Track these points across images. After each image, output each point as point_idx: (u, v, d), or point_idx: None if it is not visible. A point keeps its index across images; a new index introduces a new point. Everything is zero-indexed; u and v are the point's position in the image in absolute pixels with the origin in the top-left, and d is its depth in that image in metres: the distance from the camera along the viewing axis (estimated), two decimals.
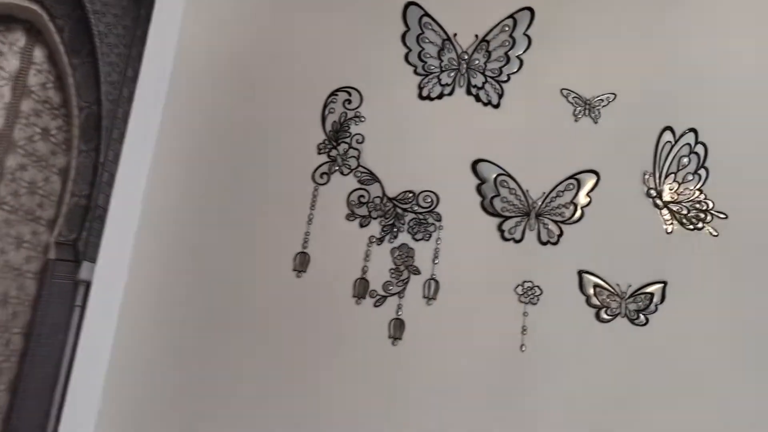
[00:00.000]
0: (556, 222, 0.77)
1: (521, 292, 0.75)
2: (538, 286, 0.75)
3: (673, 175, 0.79)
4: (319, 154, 0.80)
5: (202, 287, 0.77)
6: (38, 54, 1.29)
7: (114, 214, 1.63)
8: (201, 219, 0.81)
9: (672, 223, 0.78)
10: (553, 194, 0.77)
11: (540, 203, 0.78)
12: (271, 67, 0.84)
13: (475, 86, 0.81)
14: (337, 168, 0.79)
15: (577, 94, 0.81)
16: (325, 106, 0.82)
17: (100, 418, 0.84)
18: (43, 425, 1.45)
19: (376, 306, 0.75)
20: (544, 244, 0.76)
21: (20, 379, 1.38)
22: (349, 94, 0.81)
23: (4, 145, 1.22)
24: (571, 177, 0.78)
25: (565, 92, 0.80)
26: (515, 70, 0.81)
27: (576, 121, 0.80)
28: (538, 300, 0.75)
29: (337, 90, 0.81)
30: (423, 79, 0.81)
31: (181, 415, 0.76)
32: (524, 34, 0.82)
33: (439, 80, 0.82)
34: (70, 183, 1.47)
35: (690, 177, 0.79)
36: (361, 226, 0.78)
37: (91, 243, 1.56)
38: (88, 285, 1.55)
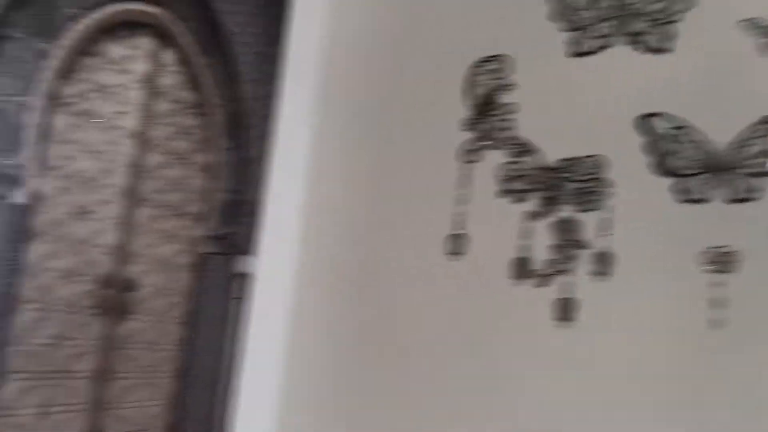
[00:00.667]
0: (750, 175, 0.59)
1: (711, 259, 0.59)
2: (733, 251, 0.58)
3: None
4: (467, 129, 0.75)
5: (366, 276, 0.75)
6: (168, 56, 1.36)
7: (271, 207, 1.65)
8: (358, 206, 0.79)
9: None
10: (743, 142, 0.60)
11: (728, 155, 0.61)
12: (415, 42, 0.80)
13: (636, 33, 0.67)
14: (487, 142, 0.72)
15: (761, 24, 0.62)
16: (471, 77, 0.75)
17: (280, 401, 0.85)
18: (211, 411, 1.52)
19: (538, 287, 0.66)
20: (737, 201, 0.60)
21: (185, 368, 1.46)
22: (497, 62, 0.74)
23: (143, 144, 1.29)
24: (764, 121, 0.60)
25: (746, 23, 0.62)
26: (681, 9, 0.66)
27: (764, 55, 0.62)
28: (733, 267, 0.58)
29: (484, 59, 0.75)
30: (575, 34, 0.70)
31: (353, 400, 0.75)
32: None
33: (594, 32, 0.69)
34: (217, 179, 1.53)
35: None
36: (518, 201, 0.70)
37: (246, 236, 1.61)
38: (245, 277, 1.60)
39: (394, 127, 0.77)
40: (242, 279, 1.61)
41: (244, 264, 1.61)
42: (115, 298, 1.26)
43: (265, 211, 1.54)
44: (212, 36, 1.49)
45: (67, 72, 1.14)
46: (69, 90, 1.14)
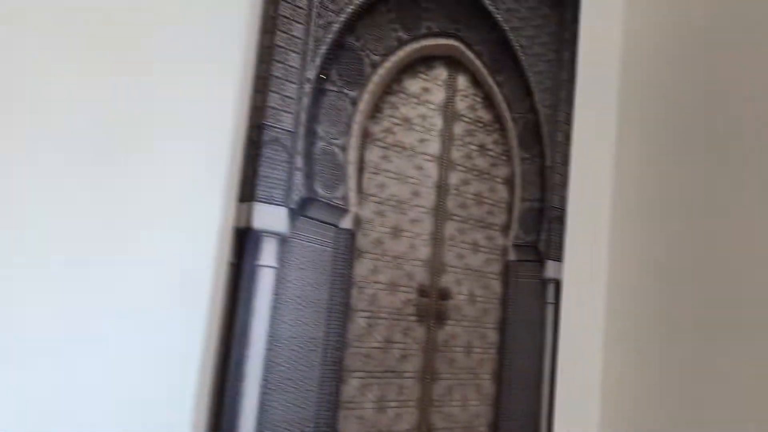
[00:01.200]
0: None
1: None
2: None
3: None
4: None
5: (689, 270, 0.78)
6: (461, 81, 1.48)
7: (574, 213, 1.72)
8: (670, 210, 0.82)
9: None
10: None
11: None
12: (730, 32, 0.80)
13: None
14: None
15: None
16: None
17: (600, 400, 0.92)
18: (536, 412, 1.57)
19: None
20: None
21: (502, 370, 1.54)
22: None
23: (445, 165, 1.43)
24: None
25: None
26: None
27: None
28: None
29: None
30: None
31: (682, 397, 0.77)
32: None
33: None
34: (518, 189, 1.59)
35: None
36: None
37: (553, 243, 1.64)
38: (557, 283, 1.63)
39: (706, 122, 0.73)
40: (552, 284, 1.63)
41: (552, 269, 1.64)
42: (432, 305, 1.40)
43: (569, 216, 1.58)
44: (501, 54, 1.56)
45: (374, 111, 1.31)
46: (377, 127, 1.32)
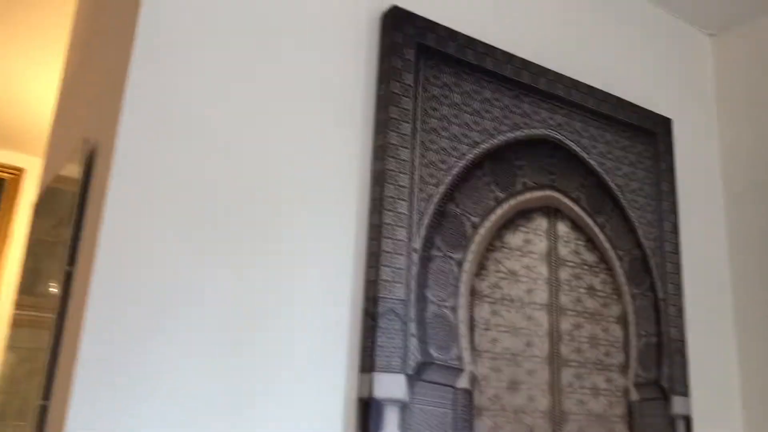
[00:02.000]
0: None
1: None
2: None
3: None
4: None
5: None
6: (561, 228, 1.54)
7: (696, 342, 1.73)
8: None
9: None
10: None
11: None
12: None
13: None
14: None
15: None
16: None
17: None
18: None
19: None
20: None
21: None
22: None
23: (555, 311, 1.46)
24: None
25: None
26: None
27: None
28: None
29: None
30: None
31: None
32: None
33: None
34: (633, 326, 1.59)
35: None
36: None
37: (676, 377, 1.60)
38: (686, 419, 1.58)
39: None
40: (681, 421, 1.58)
41: (679, 405, 1.59)
42: None
43: (690, 346, 1.59)
44: (599, 197, 1.61)
45: (479, 270, 1.39)
46: (484, 284, 1.39)
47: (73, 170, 1.27)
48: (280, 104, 1.26)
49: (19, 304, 1.77)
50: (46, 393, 1.09)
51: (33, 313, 1.38)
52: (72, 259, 1.14)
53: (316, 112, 1.30)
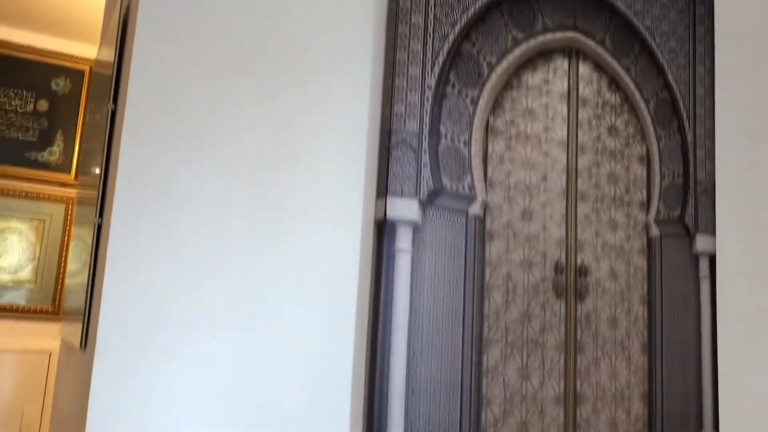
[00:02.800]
0: None
1: None
2: None
3: None
4: None
5: None
6: (583, 69, 1.56)
7: (723, 185, 1.79)
8: None
9: None
10: None
11: None
12: None
13: None
14: None
15: None
16: None
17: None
18: (697, 386, 1.57)
19: None
20: None
21: (653, 344, 1.57)
22: None
23: (573, 149, 1.52)
24: None
25: None
26: None
27: None
28: None
29: None
30: None
31: None
32: None
33: None
34: (657, 166, 1.62)
35: None
36: None
37: (701, 217, 1.64)
38: (710, 257, 1.63)
39: None
40: (705, 258, 1.62)
41: (703, 243, 1.63)
42: (570, 281, 1.48)
43: (719, 189, 1.66)
44: (625, 38, 1.61)
45: (495, 107, 1.45)
46: (500, 120, 1.45)
47: (110, 53, 1.39)
48: None
49: (80, 184, 1.99)
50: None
51: (88, 192, 1.54)
52: (107, 161, 1.28)
53: None
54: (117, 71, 1.30)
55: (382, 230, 1.30)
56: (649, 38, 1.64)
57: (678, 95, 1.67)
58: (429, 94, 1.37)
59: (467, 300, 1.36)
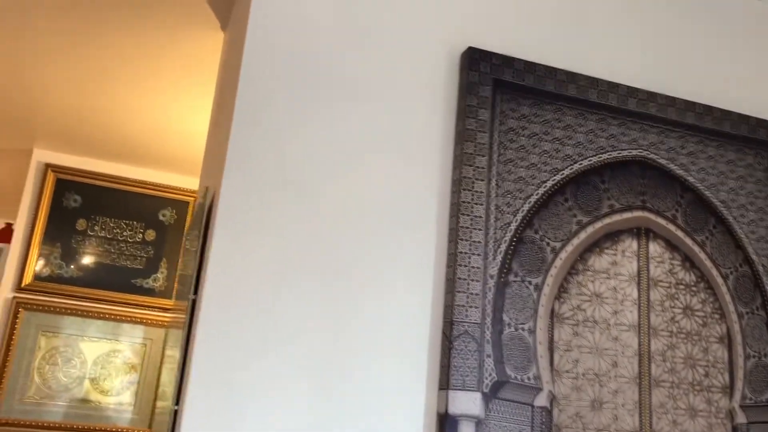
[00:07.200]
0: None
1: None
2: None
3: None
4: None
5: None
6: (653, 248, 1.54)
7: None
8: None
9: None
10: None
11: None
12: None
13: None
14: None
15: None
16: None
17: None
18: None
19: None
20: None
21: None
22: None
23: (645, 332, 1.48)
24: None
25: None
26: None
27: None
28: None
29: None
30: None
31: None
32: None
33: None
34: (739, 347, 1.54)
35: None
36: None
37: None
38: None
39: None
40: None
41: None
42: None
43: None
44: (698, 214, 1.58)
45: (560, 293, 1.45)
46: (565, 306, 1.44)
47: (202, 211, 1.52)
48: (365, 145, 1.42)
49: (176, 309, 2.11)
50: (177, 398, 1.34)
51: (182, 317, 1.63)
52: (196, 288, 1.39)
53: (399, 150, 1.45)
54: (200, 259, 1.41)
55: (443, 424, 1.30)
56: (725, 212, 1.61)
57: (760, 269, 1.60)
58: (491, 283, 1.39)
59: None
